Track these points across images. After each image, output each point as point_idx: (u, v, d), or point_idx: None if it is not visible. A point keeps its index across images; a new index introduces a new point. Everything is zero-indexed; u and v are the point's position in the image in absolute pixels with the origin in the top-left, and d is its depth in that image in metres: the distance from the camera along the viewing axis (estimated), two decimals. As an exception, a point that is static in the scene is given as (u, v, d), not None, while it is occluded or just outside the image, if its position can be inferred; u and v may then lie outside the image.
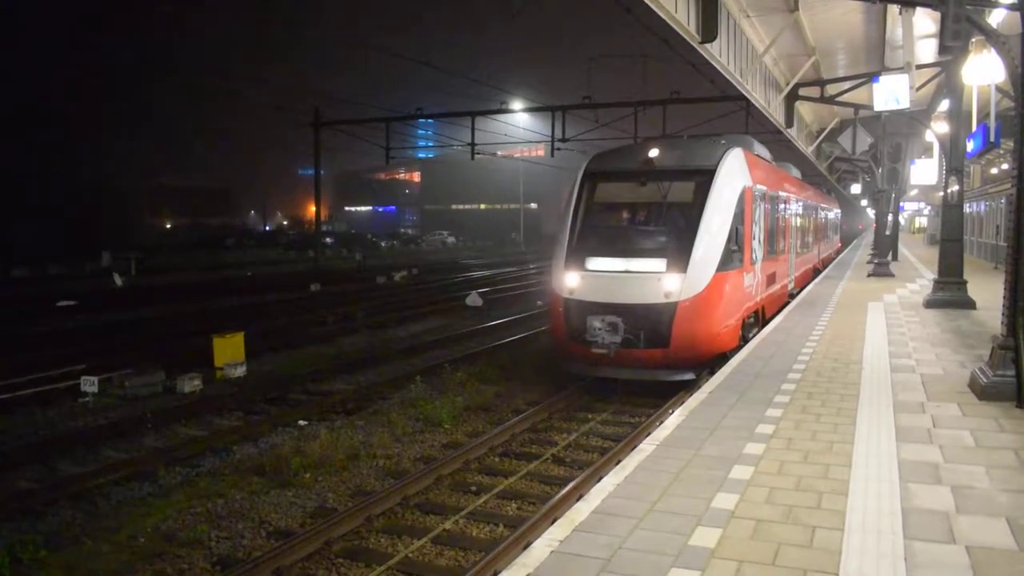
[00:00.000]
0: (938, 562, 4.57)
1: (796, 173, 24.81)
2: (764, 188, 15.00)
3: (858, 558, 4.65)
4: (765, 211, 15.18)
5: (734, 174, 12.70)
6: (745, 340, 13.16)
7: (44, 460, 10.12)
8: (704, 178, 12.27)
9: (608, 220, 13.39)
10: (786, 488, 5.90)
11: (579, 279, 12.03)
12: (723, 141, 14.05)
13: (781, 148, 27.90)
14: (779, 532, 5.09)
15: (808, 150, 32.33)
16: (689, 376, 11.76)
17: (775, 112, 22.35)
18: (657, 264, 11.67)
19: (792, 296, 20.07)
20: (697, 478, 6.16)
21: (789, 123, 23.29)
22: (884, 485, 5.89)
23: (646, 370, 11.80)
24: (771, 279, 16.20)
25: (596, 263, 12.08)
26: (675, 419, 7.95)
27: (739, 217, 12.50)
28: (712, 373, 10.72)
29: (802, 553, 4.76)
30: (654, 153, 12.76)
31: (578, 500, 5.77)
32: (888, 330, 13.80)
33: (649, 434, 7.67)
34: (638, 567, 4.60)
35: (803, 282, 23.56)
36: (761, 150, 17.34)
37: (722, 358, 11.93)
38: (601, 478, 6.31)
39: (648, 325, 11.41)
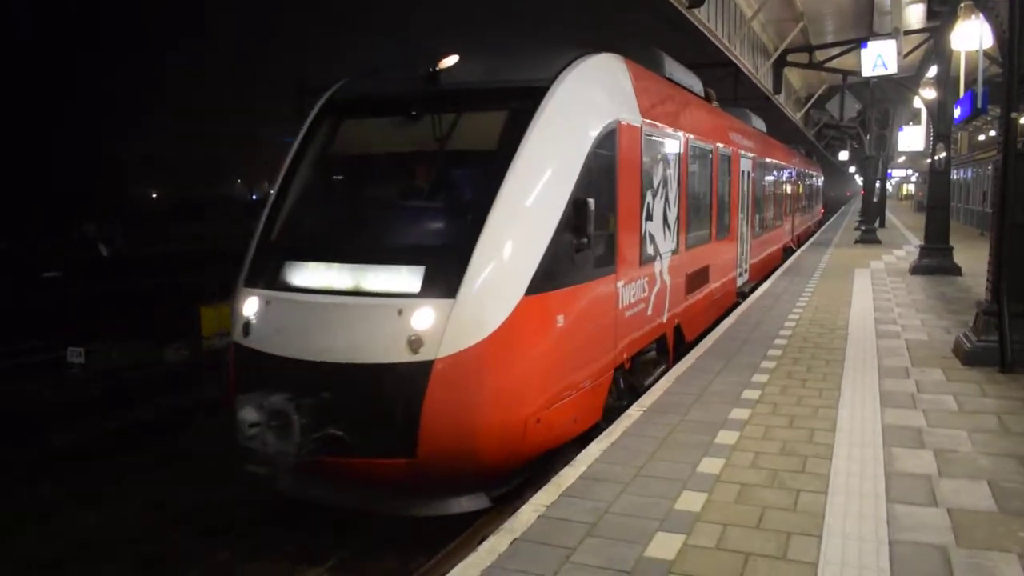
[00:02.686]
0: (920, 524, 4.63)
1: (759, 125, 19.14)
2: (676, 134, 9.57)
3: (841, 520, 4.70)
4: (682, 171, 9.83)
5: (590, 101, 7.16)
6: (636, 393, 7.97)
7: (33, 431, 10.11)
8: (523, 106, 6.58)
9: (342, 191, 7.64)
10: (771, 452, 5.94)
11: (260, 307, 6.42)
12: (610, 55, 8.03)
13: (770, 115, 27.77)
14: (764, 496, 5.14)
15: (796, 116, 32.29)
16: (479, 504, 6.15)
17: (763, 78, 22.29)
18: (402, 278, 6.01)
19: (743, 295, 14.63)
20: (683, 443, 6.20)
21: (777, 89, 23.28)
22: (868, 449, 5.95)
23: (378, 495, 6.12)
24: (696, 280, 10.76)
25: (297, 274, 6.47)
26: (663, 385, 7.99)
27: (600, 180, 7.06)
28: (551, 475, 5.83)
29: (786, 516, 4.81)
30: (447, 64, 7.00)
31: (567, 465, 5.81)
32: (874, 296, 13.88)
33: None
34: (624, 531, 4.64)
35: (764, 271, 18.35)
36: (680, 73, 10.98)
37: (582, 439, 6.69)
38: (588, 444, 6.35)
39: (373, 408, 5.81)
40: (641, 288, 8.16)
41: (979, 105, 12.89)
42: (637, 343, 8.14)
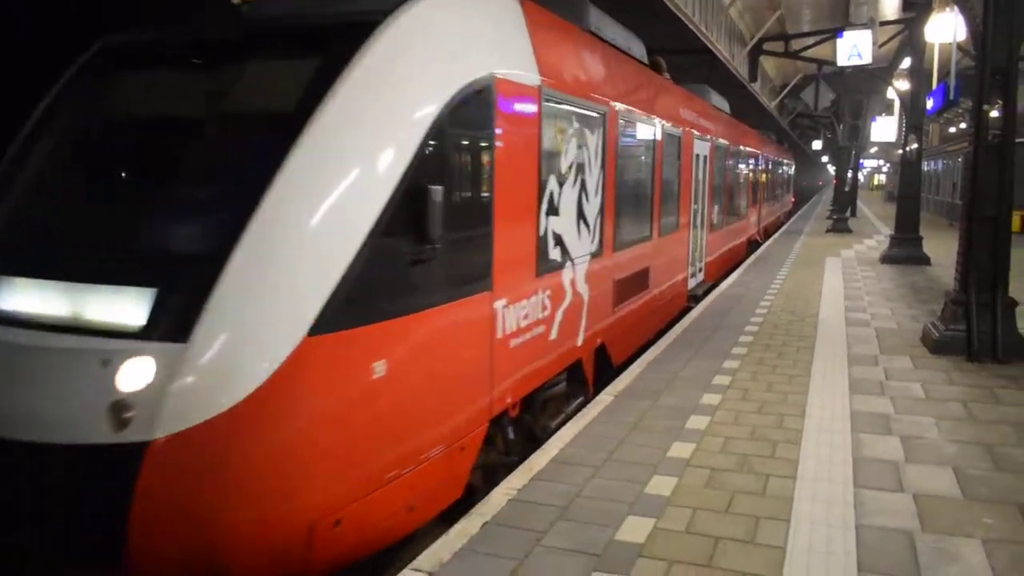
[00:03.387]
0: (886, 509, 4.68)
1: (721, 104, 16.87)
2: (600, 104, 7.48)
3: (809, 505, 4.74)
4: (609, 153, 7.78)
5: (446, 45, 5.01)
6: (536, 441, 6.24)
7: None
8: (335, 51, 4.50)
9: (81, 174, 5.00)
10: (741, 437, 5.98)
11: None
12: None
13: (745, 103, 27.84)
14: (733, 480, 5.17)
15: (771, 105, 32.44)
16: None
17: (739, 66, 22.35)
18: (119, 307, 3.94)
19: (695, 299, 12.77)
20: (654, 428, 6.22)
21: (753, 77, 23.35)
22: (836, 435, 6.00)
23: None
24: (630, 287, 8.85)
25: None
26: (634, 371, 8.01)
27: (462, 158, 5.20)
28: None
29: (755, 500, 4.84)
30: None
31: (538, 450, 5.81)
32: (844, 285, 14.02)
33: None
34: (595, 515, 4.65)
35: (725, 268, 16.68)
36: (612, 30, 8.72)
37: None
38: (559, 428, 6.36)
39: (56, 512, 3.73)
40: (539, 306, 6.17)
41: (951, 97, 13.05)
42: (532, 379, 6.17)
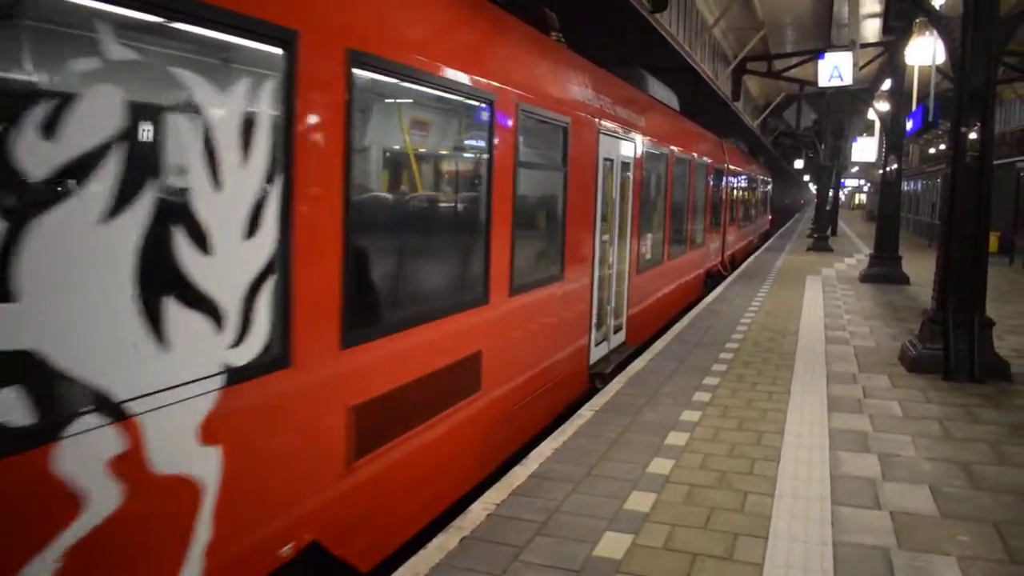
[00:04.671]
0: (863, 527, 4.70)
1: (666, 97, 13.45)
2: (331, 44, 3.73)
3: (787, 522, 4.75)
4: (330, 138, 3.77)
5: None
6: None
7: None
8: None
9: None
10: (720, 454, 6.00)
11: None
12: None
13: (728, 121, 28.03)
14: (712, 497, 5.18)
15: (754, 124, 32.70)
16: None
17: (723, 85, 22.54)
18: None
19: (601, 377, 8.63)
20: (634, 443, 6.23)
21: (736, 96, 23.55)
22: (815, 452, 6.03)
23: None
24: (408, 407, 4.72)
25: None
26: (615, 386, 8.02)
27: None
28: None
29: (734, 517, 4.85)
30: None
31: (516, 464, 5.80)
32: (824, 303, 14.11)
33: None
34: (573, 530, 4.64)
35: (668, 313, 13.07)
36: None
37: None
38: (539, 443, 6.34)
39: None
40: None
41: (930, 119, 13.21)
42: None
